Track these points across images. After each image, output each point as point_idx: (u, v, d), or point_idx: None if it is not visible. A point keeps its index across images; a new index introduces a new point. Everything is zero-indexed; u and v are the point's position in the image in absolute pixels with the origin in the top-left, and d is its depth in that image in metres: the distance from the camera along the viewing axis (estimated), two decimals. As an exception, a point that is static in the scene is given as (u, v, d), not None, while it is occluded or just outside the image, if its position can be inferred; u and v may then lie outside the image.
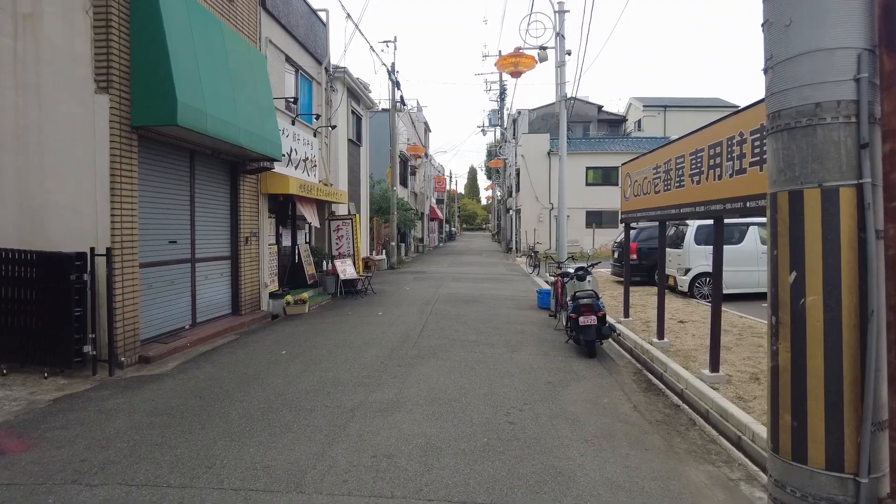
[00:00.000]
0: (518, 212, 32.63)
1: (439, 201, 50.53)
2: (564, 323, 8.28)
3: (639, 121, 38.30)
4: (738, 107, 37.37)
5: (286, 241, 12.34)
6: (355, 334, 8.52)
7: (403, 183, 30.49)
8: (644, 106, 37.80)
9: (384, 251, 22.19)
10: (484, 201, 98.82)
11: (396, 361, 6.75)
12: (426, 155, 38.82)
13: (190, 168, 8.25)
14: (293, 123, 11.95)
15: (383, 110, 24.73)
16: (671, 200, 6.59)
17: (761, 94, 3.08)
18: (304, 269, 12.54)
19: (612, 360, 7.14)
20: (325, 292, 12.99)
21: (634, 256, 14.22)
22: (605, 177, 32.01)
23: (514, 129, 37.45)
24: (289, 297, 10.81)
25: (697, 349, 6.80)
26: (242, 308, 9.74)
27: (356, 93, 18.43)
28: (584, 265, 8.46)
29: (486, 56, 36.89)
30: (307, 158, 12.65)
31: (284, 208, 11.81)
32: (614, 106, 40.59)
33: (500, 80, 36.27)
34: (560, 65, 14.35)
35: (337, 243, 14.23)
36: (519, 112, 37.27)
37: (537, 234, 30.23)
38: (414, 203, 34.64)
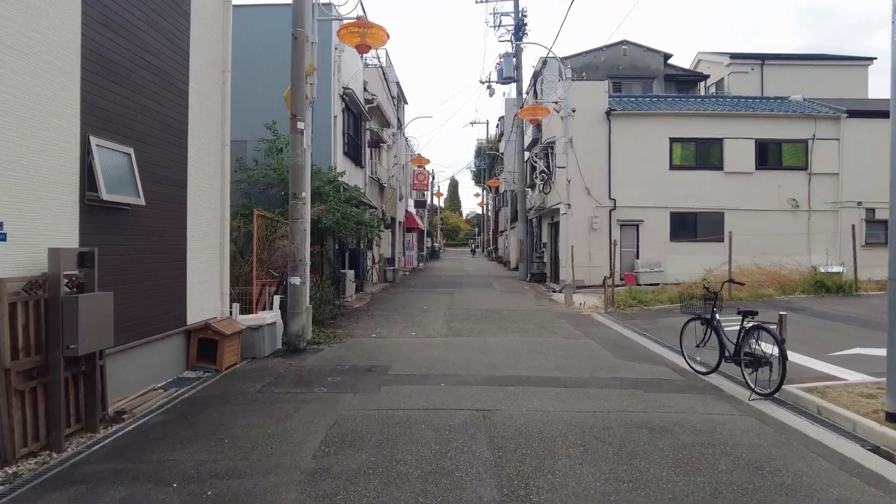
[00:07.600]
0: (553, 214, 19.21)
1: (419, 203, 35.63)
2: None
3: (721, 79, 25.50)
4: (864, 59, 20.84)
5: None
6: None
7: (356, 160, 16.71)
8: (732, 60, 25.04)
9: (280, 298, 8.37)
10: (475, 208, 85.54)
11: None
12: (400, 127, 25.04)
13: None
14: None
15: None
16: None
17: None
18: None
19: None
20: None
21: None
22: (702, 155, 18.84)
23: (538, 88, 24.17)
24: None
25: None
26: None
27: None
28: None
29: (491, -26, 23.56)
30: None
31: None
32: (678, 59, 27.90)
33: (517, 11, 23.14)
34: None
35: None
36: (545, 61, 23.95)
37: (606, 248, 16.84)
38: (380, 200, 20.96)
